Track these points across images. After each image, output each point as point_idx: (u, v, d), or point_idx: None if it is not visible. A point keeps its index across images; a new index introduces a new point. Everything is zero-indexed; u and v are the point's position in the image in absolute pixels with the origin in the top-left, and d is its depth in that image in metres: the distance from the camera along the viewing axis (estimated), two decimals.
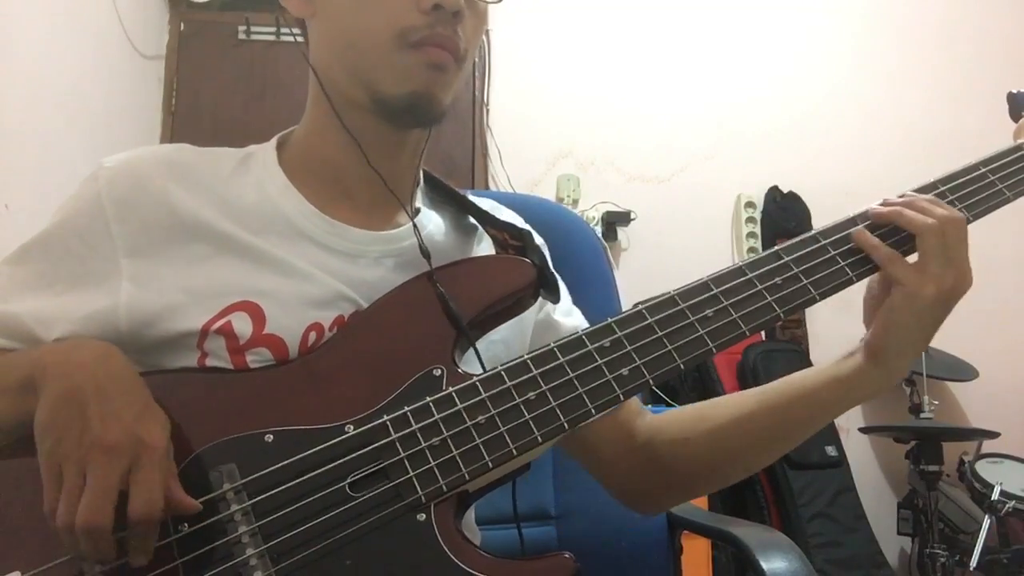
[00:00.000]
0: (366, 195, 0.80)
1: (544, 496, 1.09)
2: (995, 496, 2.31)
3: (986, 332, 2.92)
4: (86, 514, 0.55)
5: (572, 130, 3.04)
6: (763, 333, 2.92)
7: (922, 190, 0.79)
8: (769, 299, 0.71)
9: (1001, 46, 3.11)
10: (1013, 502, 2.29)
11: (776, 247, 0.74)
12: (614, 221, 2.92)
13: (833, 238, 0.75)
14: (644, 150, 3.05)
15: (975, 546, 2.23)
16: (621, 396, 0.67)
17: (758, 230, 3.00)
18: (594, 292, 1.13)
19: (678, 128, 3.07)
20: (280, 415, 0.65)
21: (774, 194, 3.02)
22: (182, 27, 2.87)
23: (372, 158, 0.78)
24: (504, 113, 2.98)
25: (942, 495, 2.50)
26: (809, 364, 2.79)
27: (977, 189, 0.80)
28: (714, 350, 0.69)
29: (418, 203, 0.86)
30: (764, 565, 0.79)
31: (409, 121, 0.78)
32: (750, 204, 3.02)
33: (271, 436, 0.64)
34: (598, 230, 2.87)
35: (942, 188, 0.79)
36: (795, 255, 0.73)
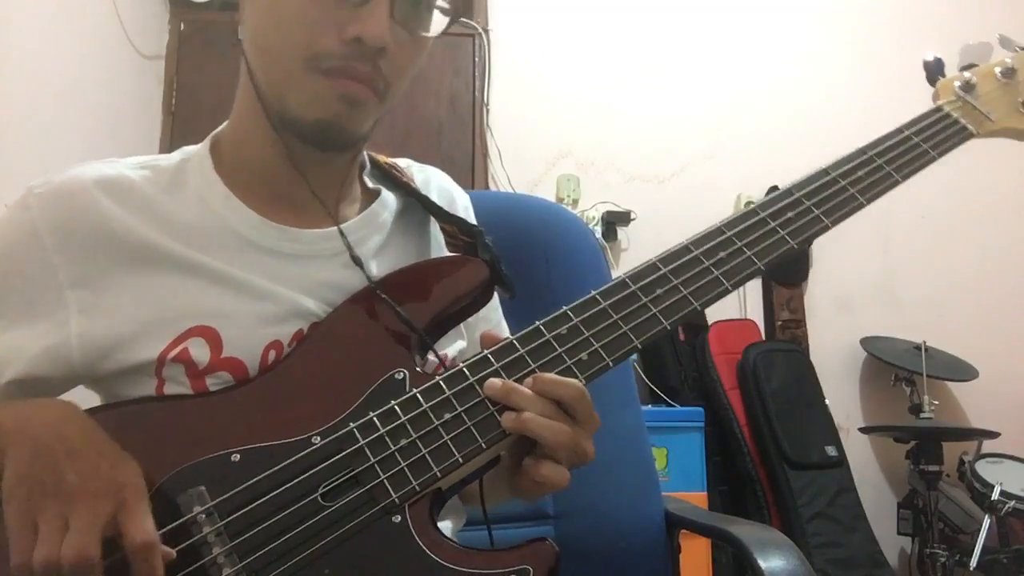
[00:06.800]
0: (301, 194, 0.77)
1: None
2: (995, 496, 2.31)
3: (986, 332, 2.92)
4: (76, 548, 0.53)
5: (572, 130, 3.03)
6: (763, 333, 2.92)
7: (853, 156, 0.82)
8: (716, 273, 0.73)
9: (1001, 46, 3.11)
10: (1013, 502, 2.29)
11: (718, 223, 0.77)
12: (614, 221, 2.91)
13: (771, 210, 0.78)
14: (644, 150, 3.04)
15: (975, 546, 2.23)
16: (583, 380, 0.67)
17: None
18: None
19: (678, 128, 3.07)
20: (245, 434, 0.64)
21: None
22: (182, 27, 2.87)
23: (299, 160, 0.75)
24: (504, 113, 2.98)
25: (942, 495, 2.50)
26: (809, 364, 2.81)
27: (904, 151, 0.83)
28: (668, 327, 0.70)
29: (372, 183, 0.84)
30: (762, 564, 0.79)
31: (318, 146, 0.74)
32: (750, 204, 3.01)
33: (237, 456, 0.63)
34: (598, 230, 2.87)
35: (870, 153, 0.83)
36: (736, 229, 0.76)
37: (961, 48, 0.95)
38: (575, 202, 2.93)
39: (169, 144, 2.75)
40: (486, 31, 2.97)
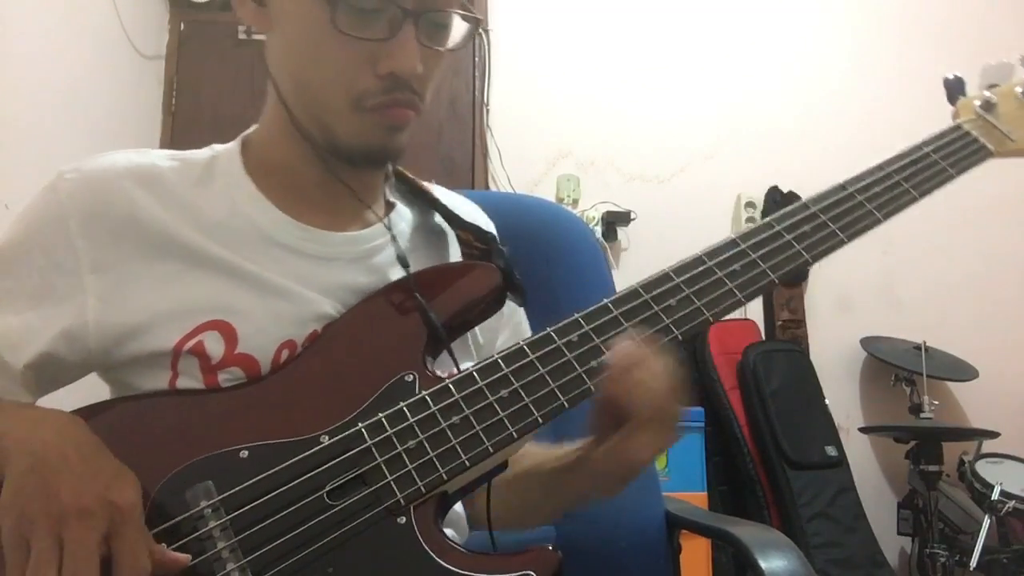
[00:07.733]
0: (331, 199, 0.78)
1: None
2: (995, 496, 2.31)
3: (986, 332, 2.92)
4: (70, 573, 0.53)
5: (572, 130, 3.03)
6: (763, 333, 2.92)
7: (871, 171, 0.81)
8: (730, 285, 0.72)
9: (1001, 47, 3.11)
10: (1013, 502, 2.29)
11: (732, 235, 0.76)
12: (614, 221, 2.92)
13: (786, 224, 0.77)
14: (644, 150, 3.04)
15: (975, 546, 2.23)
16: (592, 388, 0.67)
17: None
18: (592, 292, 1.13)
19: (678, 128, 3.07)
20: (254, 431, 0.64)
21: (774, 194, 3.02)
22: (182, 27, 2.87)
23: (336, 172, 0.77)
24: (504, 113, 2.98)
25: (942, 495, 2.50)
26: (809, 364, 2.81)
27: (922, 168, 0.83)
28: (680, 337, 0.70)
29: (390, 197, 0.85)
30: (762, 564, 0.80)
31: (363, 166, 0.77)
32: (750, 204, 3.02)
33: (246, 452, 0.63)
34: (598, 230, 2.87)
35: (888, 169, 0.82)
36: (751, 242, 0.75)
37: (982, 68, 0.95)
38: (575, 202, 2.94)
39: (169, 144, 2.75)
40: (486, 31, 2.97)
